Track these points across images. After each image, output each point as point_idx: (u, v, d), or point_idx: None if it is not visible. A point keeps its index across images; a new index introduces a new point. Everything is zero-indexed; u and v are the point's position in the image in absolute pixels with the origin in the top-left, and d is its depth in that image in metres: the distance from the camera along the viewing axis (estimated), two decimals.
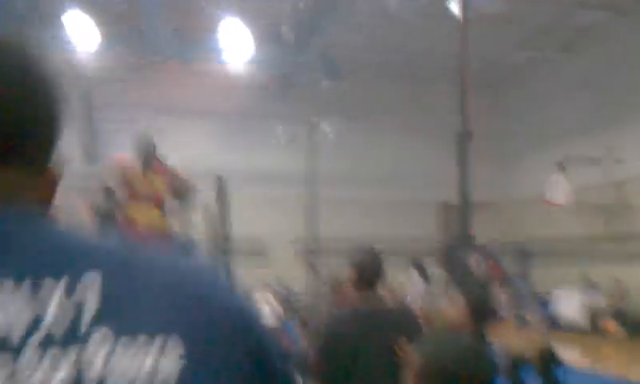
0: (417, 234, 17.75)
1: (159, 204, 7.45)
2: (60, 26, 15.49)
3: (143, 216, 7.32)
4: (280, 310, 12.28)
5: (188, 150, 17.32)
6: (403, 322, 3.60)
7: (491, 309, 4.83)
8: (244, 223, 17.38)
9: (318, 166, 15.84)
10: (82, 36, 15.76)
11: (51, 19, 15.64)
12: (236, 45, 16.23)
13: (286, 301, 14.28)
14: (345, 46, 17.06)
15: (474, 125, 8.56)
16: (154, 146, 7.57)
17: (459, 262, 8.69)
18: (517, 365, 6.45)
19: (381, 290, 3.75)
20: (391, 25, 15.84)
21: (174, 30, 16.38)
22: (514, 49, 18.03)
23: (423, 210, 18.40)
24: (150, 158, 7.47)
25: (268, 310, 12.75)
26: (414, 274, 13.11)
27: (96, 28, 15.64)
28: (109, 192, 8.09)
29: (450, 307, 4.63)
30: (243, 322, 0.96)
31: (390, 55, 17.73)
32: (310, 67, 17.65)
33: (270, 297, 13.68)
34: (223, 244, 8.55)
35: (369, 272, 3.74)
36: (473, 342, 2.13)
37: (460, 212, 8.54)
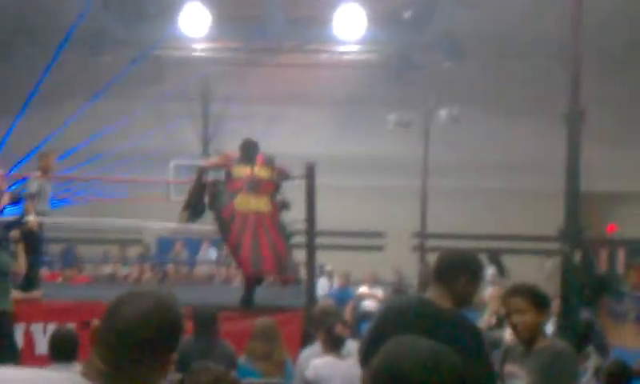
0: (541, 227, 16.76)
1: (264, 191, 7.74)
2: (178, 17, 15.49)
3: (248, 203, 7.60)
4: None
5: (303, 138, 17.09)
6: (451, 328, 3.32)
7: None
8: (355, 213, 17.07)
9: (434, 154, 15.17)
10: (199, 27, 15.74)
11: (170, 11, 15.69)
12: (352, 29, 15.77)
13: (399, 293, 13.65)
14: (465, 24, 16.20)
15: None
16: (257, 144, 8.02)
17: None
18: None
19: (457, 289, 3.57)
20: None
21: (290, 17, 16.11)
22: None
23: (552, 201, 17.32)
24: (253, 153, 7.88)
25: (373, 304, 12.30)
26: (491, 270, 12.80)
27: (212, 18, 15.57)
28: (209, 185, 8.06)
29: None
30: None
31: (514, 33, 16.69)
32: (430, 48, 16.98)
33: (379, 292, 13.20)
34: (311, 233, 8.21)
35: (442, 268, 3.62)
36: (439, 347, 2.00)
37: (569, 201, 8.14)
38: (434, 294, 3.58)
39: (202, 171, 8.08)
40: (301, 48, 17.86)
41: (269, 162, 7.98)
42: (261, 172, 7.79)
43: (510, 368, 4.06)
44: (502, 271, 13.01)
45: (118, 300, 2.04)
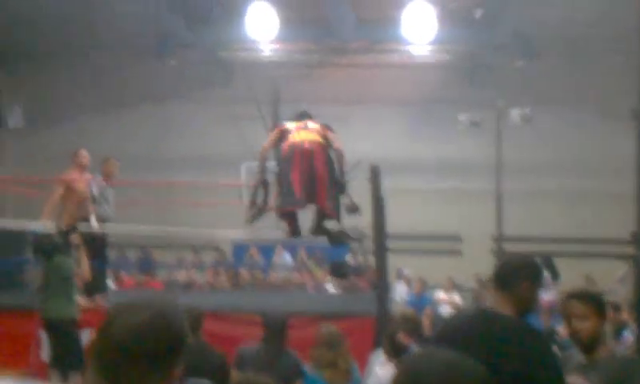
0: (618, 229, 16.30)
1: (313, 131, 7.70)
2: (245, 19, 15.49)
3: (302, 135, 7.57)
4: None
5: (373, 139, 16.97)
6: (517, 338, 3.14)
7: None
8: (428, 216, 16.82)
9: (507, 155, 14.86)
10: (266, 29, 15.72)
11: (236, 13, 15.71)
12: (422, 29, 15.57)
13: (478, 299, 13.44)
14: (537, 22, 15.86)
15: None
16: (307, 112, 8.04)
17: None
18: None
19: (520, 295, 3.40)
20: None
21: (359, 18, 15.99)
22: None
23: (627, 202, 16.80)
24: (304, 118, 7.89)
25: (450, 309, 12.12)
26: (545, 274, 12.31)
27: (280, 20, 15.54)
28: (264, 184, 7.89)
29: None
30: None
31: (586, 32, 16.25)
32: (502, 47, 16.68)
33: (456, 297, 13.01)
34: (379, 237, 8.02)
35: (503, 274, 3.46)
36: (459, 359, 1.93)
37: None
38: (494, 303, 3.43)
39: (263, 160, 7.89)
40: (370, 48, 17.74)
41: (319, 129, 7.84)
42: (310, 135, 7.65)
43: (575, 380, 3.79)
44: (555, 275, 12.79)
45: (113, 312, 1.95)
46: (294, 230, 7.89)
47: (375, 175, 8.12)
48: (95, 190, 9.05)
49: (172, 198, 16.73)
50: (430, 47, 17.00)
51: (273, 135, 7.92)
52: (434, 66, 18.01)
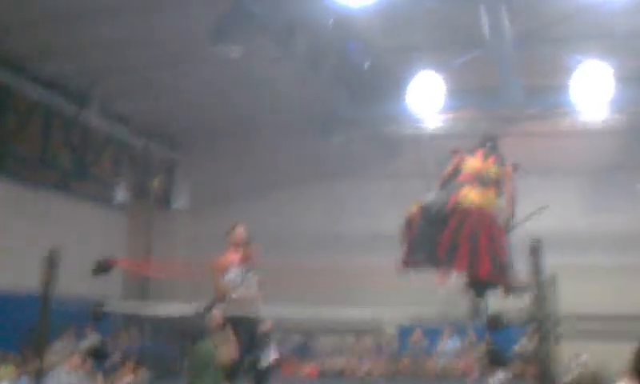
0: None
1: (490, 187, 7.21)
2: (408, 92, 15.26)
3: (474, 195, 7.08)
4: None
5: (549, 211, 16.10)
6: None
7: None
8: (608, 295, 15.63)
9: None
10: (433, 100, 15.37)
11: (400, 86, 15.52)
12: (595, 91, 14.70)
13: None
14: None
15: None
16: (497, 138, 7.67)
17: None
18: None
19: None
20: None
21: (527, 84, 15.37)
22: None
23: None
24: (493, 145, 7.48)
25: None
26: None
27: (446, 90, 15.17)
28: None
29: None
30: None
31: None
32: None
33: None
34: (542, 321, 7.25)
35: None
36: None
37: None
38: None
39: (441, 182, 7.54)
40: (542, 115, 17.03)
41: (500, 162, 7.42)
42: (491, 168, 7.28)
43: None
44: None
45: None
46: (473, 310, 7.34)
47: (536, 250, 7.44)
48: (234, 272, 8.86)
49: (336, 280, 16.47)
50: (605, 110, 16.06)
51: (453, 163, 7.55)
52: (613, 130, 16.99)
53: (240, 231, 9.13)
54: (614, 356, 12.58)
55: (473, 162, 7.33)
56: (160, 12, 12.45)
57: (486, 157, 7.38)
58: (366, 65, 15.08)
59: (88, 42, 13.60)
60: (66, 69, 14.98)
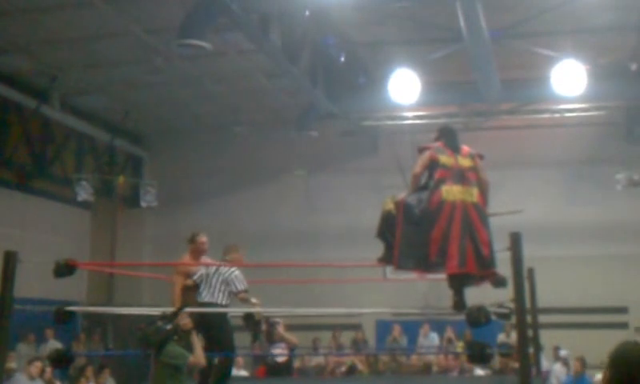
0: None
1: (469, 181, 7.08)
2: (386, 86, 15.15)
3: (454, 193, 6.97)
4: None
5: (525, 204, 16.12)
6: None
7: None
8: (587, 285, 15.70)
9: None
10: (409, 94, 15.26)
11: (377, 81, 15.42)
12: (572, 86, 14.71)
13: None
14: None
15: None
16: (456, 131, 7.46)
17: None
18: None
19: None
20: None
21: (505, 78, 15.33)
22: None
23: None
24: (455, 141, 7.27)
25: None
26: None
27: (422, 85, 15.07)
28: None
29: None
30: None
31: None
32: None
33: None
34: (520, 313, 7.15)
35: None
36: None
37: None
38: None
39: (415, 188, 7.13)
40: (518, 109, 17.05)
41: (471, 155, 7.25)
42: (464, 162, 7.13)
43: None
44: None
45: None
46: (459, 303, 7.21)
47: (515, 243, 7.36)
48: (197, 275, 8.76)
49: (312, 277, 16.25)
50: (581, 105, 16.11)
51: (424, 160, 7.16)
52: (588, 123, 17.07)
53: (203, 241, 9.07)
54: (594, 347, 12.69)
55: (445, 159, 7.12)
56: (128, 4, 12.25)
57: (455, 151, 7.21)
58: (342, 59, 14.94)
59: (50, 36, 13.34)
60: (27, 63, 14.64)
